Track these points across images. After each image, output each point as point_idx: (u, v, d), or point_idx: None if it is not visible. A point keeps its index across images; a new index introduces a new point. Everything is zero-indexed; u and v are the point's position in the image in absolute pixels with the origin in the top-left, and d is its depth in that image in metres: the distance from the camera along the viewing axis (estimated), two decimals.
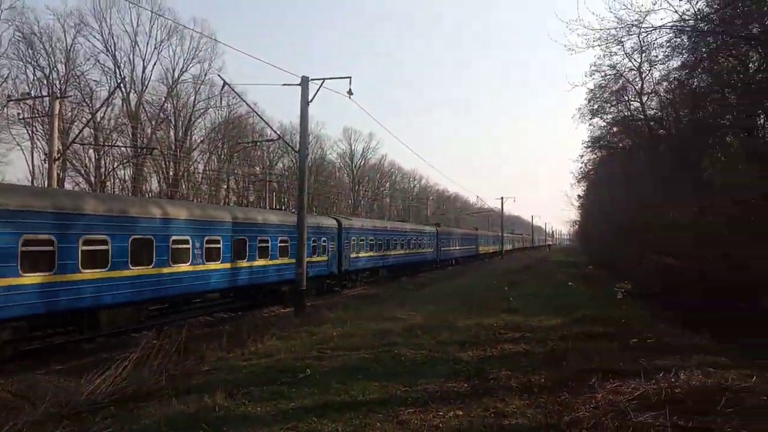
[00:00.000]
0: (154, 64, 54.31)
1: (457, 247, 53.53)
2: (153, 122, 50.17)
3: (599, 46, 14.53)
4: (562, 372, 8.41)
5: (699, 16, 14.60)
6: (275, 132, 30.69)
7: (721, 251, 11.50)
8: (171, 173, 51.19)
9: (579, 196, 54.89)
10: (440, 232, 47.16)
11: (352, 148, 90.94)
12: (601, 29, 14.85)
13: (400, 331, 13.07)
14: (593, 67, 35.18)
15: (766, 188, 10.96)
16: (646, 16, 21.56)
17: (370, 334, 12.89)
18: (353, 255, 29.38)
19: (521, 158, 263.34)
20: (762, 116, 15.93)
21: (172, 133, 52.65)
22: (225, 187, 59.18)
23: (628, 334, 11.65)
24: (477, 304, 18.28)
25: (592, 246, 52.90)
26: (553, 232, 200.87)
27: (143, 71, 50.03)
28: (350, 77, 18.47)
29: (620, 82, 26.16)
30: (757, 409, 6.48)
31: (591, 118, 30.78)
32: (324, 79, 18.51)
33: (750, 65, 16.05)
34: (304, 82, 18.80)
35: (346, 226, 29.01)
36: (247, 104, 35.29)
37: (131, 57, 49.56)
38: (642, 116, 26.07)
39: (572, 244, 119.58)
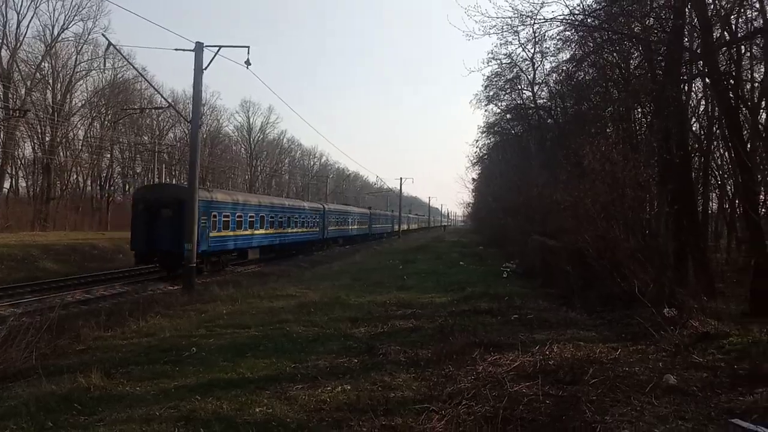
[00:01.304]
0: (31, 18, 49.67)
1: (353, 227, 53.57)
2: (28, 82, 46.09)
3: (496, 34, 15.03)
4: (448, 347, 8.72)
5: (587, 12, 15.48)
6: (165, 99, 29.06)
7: (597, 234, 12.37)
8: (47, 139, 47.24)
9: (473, 179, 56.98)
10: (329, 210, 45.94)
11: (251, 121, 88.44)
12: (497, 17, 15.33)
13: (292, 309, 13.02)
14: (490, 55, 36.54)
15: (638, 176, 11.92)
16: (540, 8, 22.52)
17: (261, 312, 12.74)
18: (213, 234, 26.32)
19: (421, 141, 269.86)
20: (638, 109, 17.28)
21: (49, 94, 48.55)
22: (108, 156, 55.46)
23: (511, 310, 12.30)
24: (371, 282, 18.53)
25: (484, 227, 55.23)
26: (448, 213, 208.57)
27: (17, 26, 46.11)
28: (248, 47, 17.88)
29: (515, 71, 27.26)
30: (619, 378, 7.06)
31: (487, 105, 31.91)
32: (220, 46, 17.76)
33: (631, 62, 17.28)
34: (199, 47, 17.93)
35: (210, 199, 26.38)
36: (135, 68, 33.06)
37: (3, 9, 45.01)
38: (533, 105, 27.37)
39: (466, 225, 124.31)
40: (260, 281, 21.47)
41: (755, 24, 13.34)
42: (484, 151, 41.90)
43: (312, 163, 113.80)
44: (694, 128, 18.26)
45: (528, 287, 16.73)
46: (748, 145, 13.44)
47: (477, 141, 40.23)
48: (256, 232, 30.65)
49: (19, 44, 45.23)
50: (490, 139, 39.26)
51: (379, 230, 68.52)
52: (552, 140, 23.90)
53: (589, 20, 15.31)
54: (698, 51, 13.24)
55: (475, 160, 45.84)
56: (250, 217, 29.88)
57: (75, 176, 53.82)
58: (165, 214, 23.82)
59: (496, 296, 14.45)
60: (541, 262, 18.57)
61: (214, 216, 26.15)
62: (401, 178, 76.43)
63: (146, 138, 58.37)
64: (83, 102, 51.89)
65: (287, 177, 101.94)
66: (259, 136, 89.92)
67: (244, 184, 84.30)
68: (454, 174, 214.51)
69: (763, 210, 11.87)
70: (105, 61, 46.98)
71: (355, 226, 55.62)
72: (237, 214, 28.28)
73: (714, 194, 20.99)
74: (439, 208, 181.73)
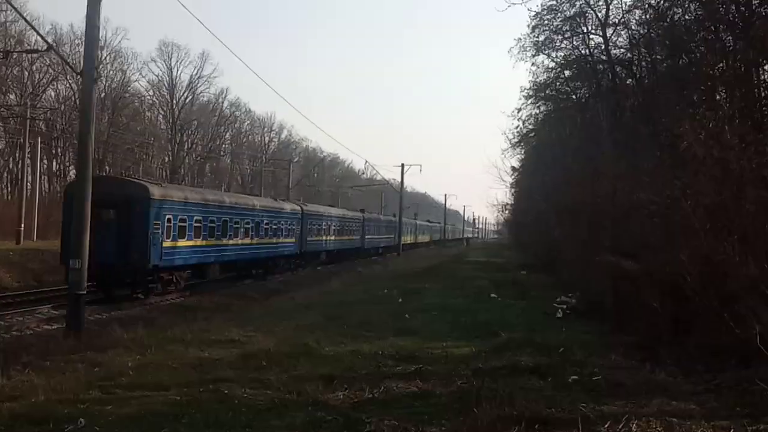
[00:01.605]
0: None
1: (333, 238, 55.46)
2: None
3: None
4: (472, 423, 8.76)
5: None
6: (43, 39, 28.95)
7: (699, 254, 12.44)
8: None
9: (513, 168, 56.96)
10: (308, 212, 48.76)
11: (173, 74, 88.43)
12: None
13: (234, 361, 13.07)
14: None
15: (764, 168, 11.96)
16: None
17: (186, 365, 12.78)
18: (168, 244, 29.20)
19: (434, 112, 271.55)
20: (766, 67, 17.31)
21: None
22: None
23: (567, 368, 12.37)
24: (355, 323, 18.68)
25: (527, 240, 55.48)
26: (475, 219, 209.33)
27: None
28: None
29: (578, 4, 27.41)
30: None
31: (534, 55, 31.92)
32: None
33: None
34: None
35: (164, 197, 29.40)
36: None
37: None
38: (605, 57, 27.46)
39: (501, 238, 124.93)
40: (184, 318, 21.63)
41: None
42: (530, 126, 42.07)
43: (267, 139, 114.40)
44: None
45: (593, 332, 16.82)
46: None
47: (519, 111, 40.12)
48: (225, 242, 35.05)
49: None
50: (538, 107, 39.40)
51: (374, 243, 71.07)
52: (633, 111, 24.02)
53: None
54: None
55: (516, 140, 46.02)
56: (211, 222, 33.60)
57: None
58: (106, 217, 26.68)
59: (545, 346, 14.52)
60: (612, 294, 18.66)
61: (169, 220, 29.45)
62: (403, 166, 76.23)
63: (13, 96, 58.27)
64: None
65: (229, 160, 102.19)
66: (186, 98, 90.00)
67: (161, 169, 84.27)
68: (483, 161, 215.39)
69: None
70: None
71: (344, 237, 58.42)
72: (196, 218, 31.93)
73: None
74: (461, 212, 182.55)
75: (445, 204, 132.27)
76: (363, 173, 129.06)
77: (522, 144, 47.90)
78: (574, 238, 26.71)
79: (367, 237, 66.53)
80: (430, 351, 14.39)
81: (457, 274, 39.00)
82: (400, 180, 79.08)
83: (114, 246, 26.71)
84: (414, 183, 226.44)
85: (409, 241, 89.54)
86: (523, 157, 53.34)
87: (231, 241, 35.71)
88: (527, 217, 52.55)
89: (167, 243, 28.98)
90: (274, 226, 41.64)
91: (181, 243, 30.27)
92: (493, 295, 26.80)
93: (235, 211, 36.55)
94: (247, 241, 37.87)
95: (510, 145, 46.86)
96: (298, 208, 47.53)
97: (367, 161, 71.94)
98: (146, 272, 28.07)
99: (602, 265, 19.73)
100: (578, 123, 32.17)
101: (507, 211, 70.83)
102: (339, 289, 30.98)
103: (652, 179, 14.72)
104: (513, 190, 65.67)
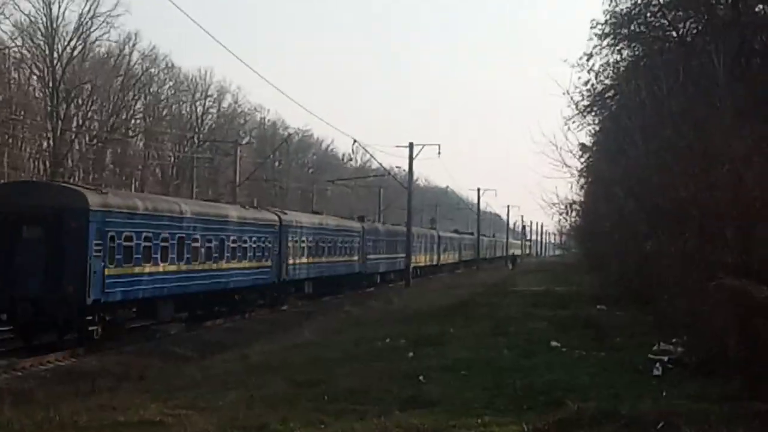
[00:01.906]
0: None
1: (331, 258, 59.51)
2: None
3: None
4: None
5: None
6: None
7: None
8: None
9: (583, 146, 56.66)
10: (288, 223, 52.44)
11: (53, 13, 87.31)
12: None
13: None
14: None
15: None
16: None
17: None
18: (111, 271, 32.15)
19: (456, 71, 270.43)
20: None
21: None
22: None
23: None
24: (340, 390, 18.66)
25: (605, 258, 55.07)
26: (525, 227, 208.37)
27: None
28: None
29: None
30: None
31: None
32: None
33: None
34: None
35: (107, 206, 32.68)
36: None
37: None
38: None
39: (565, 254, 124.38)
40: (76, 390, 21.60)
41: None
42: (607, 81, 41.80)
43: (201, 110, 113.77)
44: None
45: (710, 398, 16.73)
46: None
47: (590, 58, 39.85)
48: (178, 267, 38.13)
49: None
50: (620, 52, 39.23)
51: (380, 265, 74.70)
52: (763, 57, 23.87)
53: None
54: None
55: (585, 102, 45.76)
56: (163, 240, 36.97)
57: None
58: (31, 235, 29.91)
59: (637, 421, 14.44)
60: (739, 338, 18.48)
61: (112, 238, 32.46)
62: (411, 146, 75.85)
63: None
64: None
65: (142, 144, 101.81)
66: (73, 48, 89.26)
67: (37, 159, 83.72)
68: (534, 137, 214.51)
69: None
70: None
71: (338, 258, 62.03)
72: (145, 234, 35.22)
73: None
74: (503, 216, 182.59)
75: (479, 204, 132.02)
76: (350, 159, 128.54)
77: (595, 109, 47.66)
78: (678, 254, 26.54)
79: (369, 257, 69.38)
80: None
81: (498, 312, 38.81)
82: (407, 168, 78.66)
83: (42, 273, 29.90)
84: (429, 174, 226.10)
85: (423, 263, 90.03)
86: (597, 129, 53.03)
87: (192, 266, 39.11)
88: (605, 223, 52.21)
89: (111, 269, 31.89)
90: (244, 245, 45.50)
91: (132, 270, 33.87)
92: (554, 343, 26.69)
93: (201, 224, 40.66)
94: (213, 266, 41.71)
95: (577, 111, 46.54)
96: (274, 218, 50.95)
97: (356, 141, 71.13)
98: (84, 310, 30.51)
99: (722, 294, 19.54)
100: (681, 74, 32.02)
101: (574, 214, 69.89)
102: (315, 340, 30.76)
103: None
104: (582, 182, 65.28)
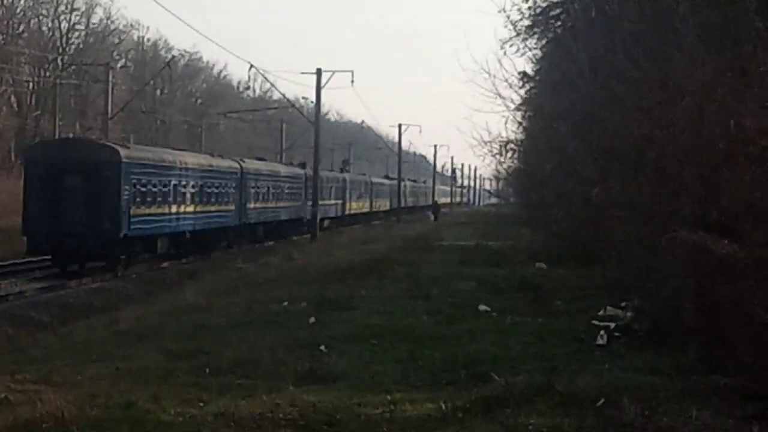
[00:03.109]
0: None
1: (282, 204, 77.46)
2: None
3: None
4: None
5: None
6: None
7: None
8: None
9: (524, 75, 56.73)
10: (249, 170, 71.64)
11: None
12: None
13: None
14: None
15: None
16: None
17: None
18: (138, 210, 50.87)
19: None
20: None
21: None
22: None
23: None
24: (227, 361, 18.78)
25: (548, 208, 55.35)
26: (456, 172, 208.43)
27: None
28: None
29: None
30: None
31: None
32: None
33: None
34: None
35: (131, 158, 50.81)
36: None
37: None
38: None
39: (502, 204, 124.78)
40: None
41: None
42: None
43: (66, 26, 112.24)
44: None
45: (661, 371, 17.04)
46: None
47: None
48: (185, 209, 57.76)
49: None
50: None
51: (327, 210, 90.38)
52: None
53: None
54: None
55: (527, 22, 45.76)
56: (164, 186, 54.64)
57: None
58: (74, 182, 46.14)
59: (574, 399, 14.65)
60: (696, 300, 18.74)
61: (134, 184, 49.67)
62: (319, 72, 75.85)
63: None
64: None
65: None
66: None
67: None
68: (465, 66, 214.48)
69: None
70: None
71: (285, 204, 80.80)
72: (153, 181, 52.66)
73: None
74: (431, 159, 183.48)
75: (400, 143, 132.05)
76: (246, 88, 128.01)
77: (537, 31, 47.66)
78: (629, 203, 26.78)
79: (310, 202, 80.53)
80: (362, 413, 14.46)
81: (418, 271, 39.23)
82: (315, 98, 78.50)
83: (85, 212, 46.62)
84: (342, 107, 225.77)
85: (333, 213, 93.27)
86: (540, 55, 53.09)
87: (181, 209, 56.80)
88: (548, 166, 52.46)
89: (138, 209, 49.58)
90: (216, 190, 63.69)
91: (144, 210, 50.83)
92: (483, 308, 27.01)
93: (190, 173, 59.22)
94: (197, 209, 59.92)
95: (515, 33, 46.52)
96: (236, 165, 68.93)
97: (253, 66, 69.63)
98: (117, 242, 47.22)
99: (678, 250, 19.78)
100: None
101: (510, 155, 69.61)
102: (199, 303, 30.62)
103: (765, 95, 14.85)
104: (521, 117, 65.28)
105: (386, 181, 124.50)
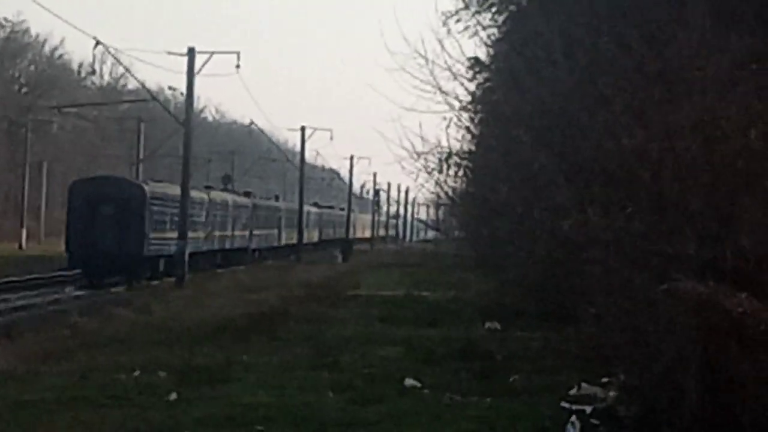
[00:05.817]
0: None
1: (233, 232, 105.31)
2: None
3: None
4: None
5: None
6: None
7: None
8: None
9: (475, 62, 57.30)
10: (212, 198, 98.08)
11: None
12: None
13: None
14: None
15: None
16: None
17: None
18: (156, 234, 79.41)
19: None
20: None
21: None
22: None
23: None
24: None
25: (501, 245, 55.68)
26: (379, 192, 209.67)
27: None
28: None
29: None
30: None
31: None
32: None
33: None
34: None
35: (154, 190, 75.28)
36: None
37: None
38: None
39: (443, 240, 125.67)
40: None
41: None
42: None
43: None
44: None
45: None
46: None
47: None
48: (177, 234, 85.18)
49: None
50: None
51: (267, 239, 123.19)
52: None
53: None
54: None
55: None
56: (172, 216, 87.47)
57: None
58: (106, 212, 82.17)
59: None
60: (701, 374, 18.95)
61: (152, 213, 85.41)
62: (192, 52, 76.54)
63: None
64: None
65: None
66: None
67: None
68: (393, 49, 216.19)
69: None
70: None
71: (235, 232, 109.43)
72: (164, 211, 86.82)
73: None
74: (345, 177, 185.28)
75: (303, 152, 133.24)
76: (91, 72, 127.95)
77: (494, 4, 48.08)
78: (615, 241, 26.98)
79: (255, 232, 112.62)
80: None
81: (325, 330, 39.37)
82: (186, 89, 79.13)
83: (115, 235, 79.40)
84: (225, 104, 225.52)
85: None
86: (497, 35, 53.43)
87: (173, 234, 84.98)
88: (504, 188, 52.77)
89: (153, 235, 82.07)
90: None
91: (160, 235, 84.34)
92: (411, 382, 27.17)
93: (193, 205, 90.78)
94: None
95: (463, 5, 46.82)
96: (204, 196, 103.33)
97: (99, 43, 67.78)
98: (140, 260, 79.11)
99: (678, 305, 19.95)
100: None
101: (453, 172, 69.31)
102: (16, 372, 30.42)
103: None
104: (472, 121, 65.50)
105: (314, 209, 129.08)
